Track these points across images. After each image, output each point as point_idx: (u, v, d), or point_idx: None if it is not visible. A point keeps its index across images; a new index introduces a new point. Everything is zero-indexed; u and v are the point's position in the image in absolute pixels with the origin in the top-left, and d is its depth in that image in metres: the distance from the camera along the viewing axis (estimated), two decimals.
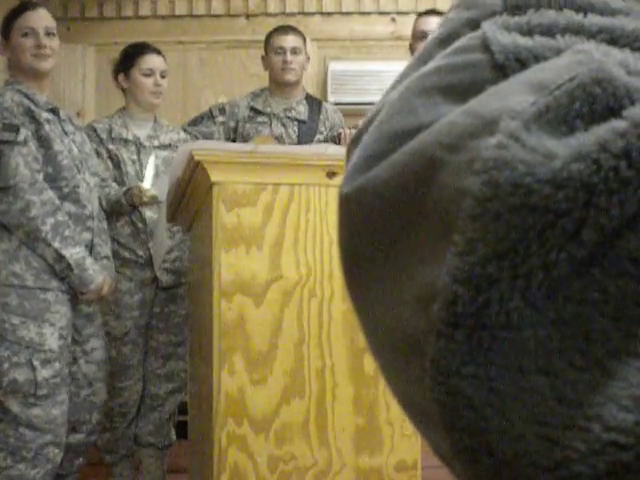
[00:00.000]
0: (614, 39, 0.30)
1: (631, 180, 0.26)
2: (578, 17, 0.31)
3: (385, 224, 0.31)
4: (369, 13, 4.61)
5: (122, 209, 3.12)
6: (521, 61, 0.30)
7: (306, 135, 3.62)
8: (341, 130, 3.41)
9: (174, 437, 3.36)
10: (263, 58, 3.73)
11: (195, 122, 3.67)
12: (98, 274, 2.67)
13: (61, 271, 2.56)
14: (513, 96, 0.28)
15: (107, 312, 3.17)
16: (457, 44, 0.33)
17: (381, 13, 4.60)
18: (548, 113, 0.27)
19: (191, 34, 4.56)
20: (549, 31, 0.31)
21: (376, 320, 0.33)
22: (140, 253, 3.19)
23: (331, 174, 2.29)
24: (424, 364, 0.29)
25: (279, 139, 3.60)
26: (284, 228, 2.25)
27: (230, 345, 2.19)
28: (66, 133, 2.69)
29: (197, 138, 3.48)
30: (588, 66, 0.28)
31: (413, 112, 0.32)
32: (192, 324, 2.80)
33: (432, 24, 3.44)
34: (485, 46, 0.31)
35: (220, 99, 4.29)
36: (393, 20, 4.54)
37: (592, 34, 0.30)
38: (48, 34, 2.70)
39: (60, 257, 2.54)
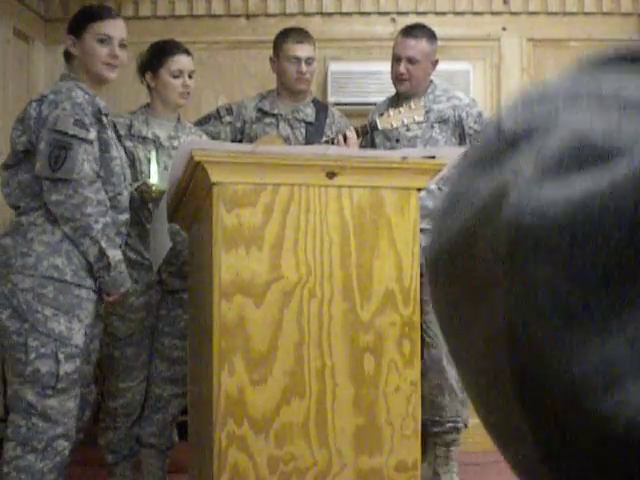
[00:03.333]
0: None
1: (607, 221, 0.33)
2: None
3: (453, 283, 0.40)
4: (369, 13, 4.61)
5: (133, 205, 3.12)
6: (524, 132, 0.38)
7: (313, 137, 3.60)
8: (346, 131, 3.39)
9: (176, 438, 3.36)
10: (272, 60, 3.67)
11: (202, 122, 3.65)
12: (129, 279, 2.71)
13: (98, 270, 2.61)
14: (523, 166, 0.36)
15: (112, 313, 3.17)
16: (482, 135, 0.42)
17: (381, 13, 4.60)
18: (548, 173, 0.35)
19: (191, 34, 4.55)
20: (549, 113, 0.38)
21: (461, 352, 0.40)
22: (147, 255, 3.18)
23: (331, 174, 2.29)
24: (507, 388, 0.35)
25: (286, 140, 3.59)
26: (284, 228, 2.25)
27: (230, 345, 2.19)
28: (118, 140, 2.77)
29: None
30: (571, 134, 0.36)
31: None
32: (192, 324, 2.80)
33: (407, 49, 3.40)
34: (498, 128, 0.40)
35: (220, 99, 4.29)
36: (393, 20, 4.54)
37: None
38: (122, 45, 2.74)
39: (102, 256, 2.60)
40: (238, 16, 4.62)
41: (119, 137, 3.21)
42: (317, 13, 4.60)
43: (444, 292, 0.41)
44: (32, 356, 2.53)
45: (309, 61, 3.57)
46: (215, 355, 2.19)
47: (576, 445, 0.32)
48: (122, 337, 3.19)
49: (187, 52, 3.28)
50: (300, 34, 3.65)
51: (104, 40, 2.71)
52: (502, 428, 0.38)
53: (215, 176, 2.22)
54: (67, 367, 2.56)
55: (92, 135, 2.59)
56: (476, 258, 0.37)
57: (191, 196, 2.51)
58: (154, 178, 3.03)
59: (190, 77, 3.25)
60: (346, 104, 4.38)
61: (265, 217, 2.24)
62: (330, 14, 4.60)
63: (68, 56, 2.74)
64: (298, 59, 3.55)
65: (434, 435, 3.37)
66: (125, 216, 2.78)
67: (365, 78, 4.45)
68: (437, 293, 0.42)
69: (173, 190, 2.64)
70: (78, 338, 2.59)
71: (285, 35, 3.64)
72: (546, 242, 0.34)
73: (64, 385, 2.56)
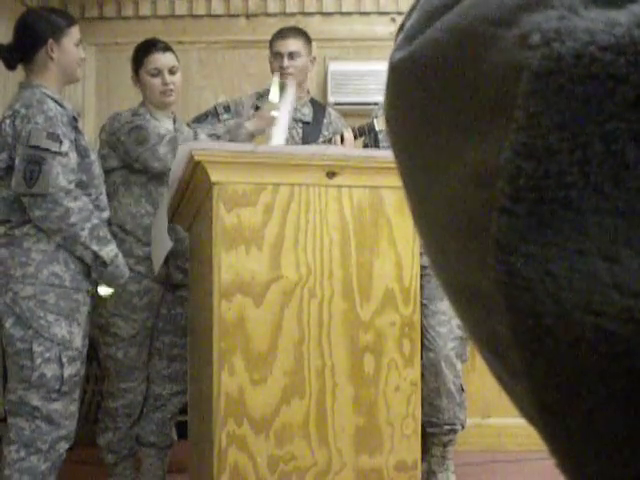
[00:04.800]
0: None
1: None
2: None
3: (429, 100, 0.31)
4: (369, 13, 4.61)
5: (241, 132, 3.18)
6: None
7: (310, 136, 3.62)
8: (344, 131, 3.41)
9: (175, 437, 3.36)
10: (270, 60, 3.73)
11: (199, 120, 3.67)
12: (126, 269, 2.82)
13: (95, 268, 2.68)
14: None
15: (115, 313, 3.17)
16: None
17: (381, 13, 4.60)
18: None
19: (191, 34, 4.56)
20: None
21: (429, 201, 0.33)
22: None
23: (331, 174, 2.29)
24: (486, 243, 0.28)
25: None
26: (284, 228, 2.25)
27: (230, 345, 2.19)
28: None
29: None
30: None
31: None
32: (192, 324, 2.80)
33: None
34: None
35: (220, 99, 4.29)
36: (393, 20, 4.54)
37: None
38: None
39: (96, 257, 2.70)
40: (238, 16, 4.62)
41: None
42: (317, 13, 4.60)
43: (413, 102, 0.32)
44: (38, 361, 2.60)
45: (292, 55, 3.60)
46: (215, 355, 2.19)
47: (559, 325, 0.27)
48: (126, 337, 3.19)
49: (165, 49, 3.27)
50: (284, 30, 3.70)
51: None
52: (469, 291, 0.31)
53: (215, 176, 2.22)
54: (70, 370, 2.64)
55: (65, 147, 2.64)
56: (477, 75, 0.29)
57: (191, 196, 2.51)
58: (275, 98, 3.15)
59: (173, 73, 3.25)
60: (346, 104, 4.39)
61: (265, 217, 2.24)
62: (330, 14, 4.60)
63: (29, 60, 2.78)
64: (280, 54, 3.59)
65: (431, 435, 3.37)
66: (106, 214, 2.85)
67: (365, 78, 4.45)
68: (401, 99, 0.33)
69: (173, 190, 2.64)
70: (78, 341, 2.67)
71: (274, 34, 3.70)
72: (595, 72, 0.26)
73: (67, 388, 2.64)
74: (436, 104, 0.31)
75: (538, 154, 0.27)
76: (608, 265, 0.26)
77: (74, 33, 2.80)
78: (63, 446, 2.64)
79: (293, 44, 3.62)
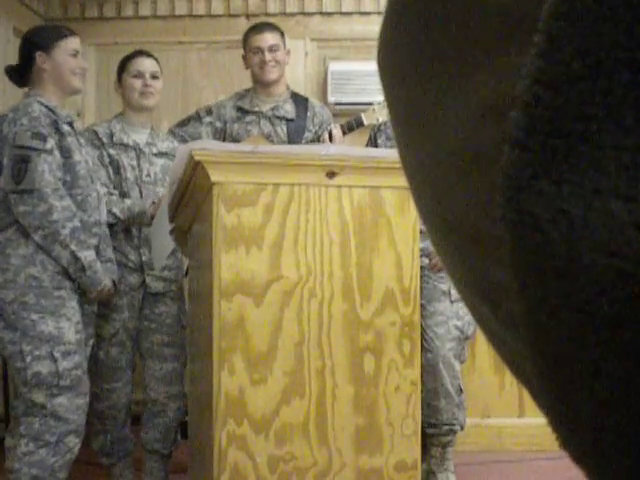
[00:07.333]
0: None
1: None
2: None
3: (436, 29, 0.29)
4: (369, 13, 4.61)
5: (143, 220, 3.16)
6: None
7: (295, 133, 3.63)
8: (332, 128, 3.43)
9: (179, 439, 3.35)
10: (243, 57, 3.74)
11: (182, 124, 3.70)
12: (105, 276, 2.87)
13: (74, 272, 2.79)
14: None
15: (96, 313, 3.18)
16: None
17: (381, 13, 4.58)
18: None
19: (191, 34, 4.56)
20: None
21: (430, 138, 0.30)
22: (131, 257, 3.21)
23: (331, 174, 2.29)
24: (494, 179, 0.27)
25: (268, 138, 3.61)
26: (284, 228, 2.25)
27: (230, 345, 2.19)
28: (81, 145, 2.94)
29: (185, 140, 3.49)
30: None
31: None
32: (192, 324, 2.80)
33: None
34: None
35: (219, 99, 4.29)
36: None
37: None
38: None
39: (75, 259, 2.76)
40: (238, 16, 4.62)
41: (102, 145, 3.25)
42: (317, 13, 4.60)
43: (417, 32, 0.30)
44: (29, 360, 2.65)
45: (272, 48, 3.61)
46: (215, 355, 2.19)
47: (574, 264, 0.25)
48: (106, 337, 3.21)
49: (148, 55, 3.39)
50: (260, 25, 3.73)
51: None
52: (469, 233, 0.29)
53: (215, 176, 2.22)
54: (65, 364, 2.67)
55: (49, 145, 2.73)
56: (479, 11, 0.27)
57: (191, 196, 2.51)
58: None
59: (154, 77, 3.31)
60: (346, 104, 4.39)
61: (265, 217, 2.24)
62: (330, 14, 4.60)
63: (28, 73, 2.90)
64: (260, 49, 3.61)
65: (430, 436, 3.37)
66: (95, 217, 2.89)
67: (365, 78, 4.45)
68: (403, 30, 0.31)
69: (173, 190, 2.64)
70: (70, 335, 2.71)
71: (248, 30, 3.70)
72: None
73: (68, 383, 2.67)
74: (443, 33, 0.29)
75: (558, 82, 0.25)
76: (626, 204, 0.24)
77: (66, 45, 2.88)
78: (73, 440, 2.68)
79: (272, 38, 3.64)
